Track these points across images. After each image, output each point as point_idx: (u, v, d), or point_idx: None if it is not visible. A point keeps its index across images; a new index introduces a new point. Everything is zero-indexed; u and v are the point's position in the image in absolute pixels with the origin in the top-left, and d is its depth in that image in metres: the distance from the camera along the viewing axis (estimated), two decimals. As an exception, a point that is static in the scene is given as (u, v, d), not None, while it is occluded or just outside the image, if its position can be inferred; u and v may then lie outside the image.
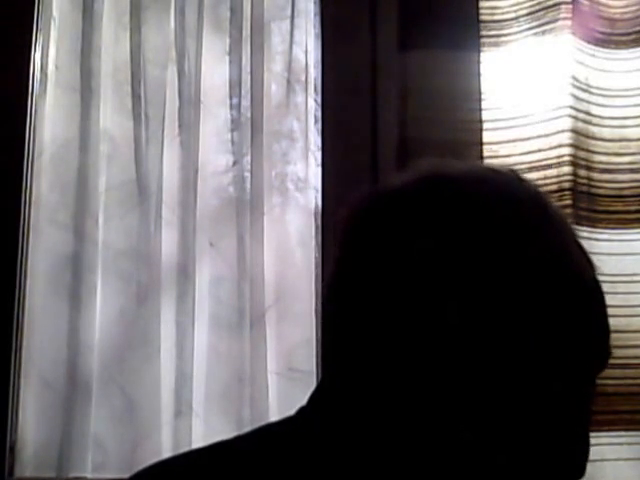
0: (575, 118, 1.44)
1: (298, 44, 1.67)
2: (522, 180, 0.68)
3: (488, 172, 0.68)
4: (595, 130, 1.47)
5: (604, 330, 0.65)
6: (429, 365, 0.60)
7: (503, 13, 1.51)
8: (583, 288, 0.64)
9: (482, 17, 1.51)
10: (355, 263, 0.65)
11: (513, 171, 0.70)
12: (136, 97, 1.65)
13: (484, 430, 0.61)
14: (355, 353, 0.64)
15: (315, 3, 1.65)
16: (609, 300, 0.66)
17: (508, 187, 0.66)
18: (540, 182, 1.40)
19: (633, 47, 1.49)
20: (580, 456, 0.64)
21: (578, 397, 0.63)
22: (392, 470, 0.63)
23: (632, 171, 1.45)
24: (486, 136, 1.48)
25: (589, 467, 0.64)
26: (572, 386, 0.62)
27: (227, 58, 1.66)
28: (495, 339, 0.60)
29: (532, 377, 0.61)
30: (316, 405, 0.68)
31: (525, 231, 0.63)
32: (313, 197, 1.61)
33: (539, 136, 1.45)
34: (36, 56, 1.60)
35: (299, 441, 0.66)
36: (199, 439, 1.54)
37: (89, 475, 1.53)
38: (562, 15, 1.46)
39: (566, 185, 1.42)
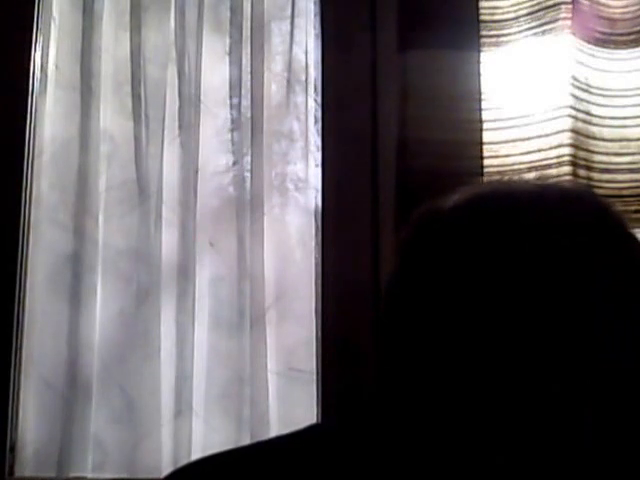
0: (575, 118, 1.44)
1: (298, 44, 1.67)
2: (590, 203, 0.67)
3: (548, 193, 0.67)
4: (595, 130, 1.47)
5: None
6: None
7: (503, 13, 1.51)
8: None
9: (482, 17, 1.51)
10: (415, 281, 0.66)
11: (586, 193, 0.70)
12: (136, 97, 1.65)
13: (484, 431, 0.61)
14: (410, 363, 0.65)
15: (315, 3, 1.65)
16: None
17: (557, 214, 0.64)
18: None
19: (633, 47, 1.49)
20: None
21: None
22: (395, 468, 0.63)
23: (632, 171, 1.45)
24: (486, 136, 1.47)
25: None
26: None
27: (227, 58, 1.67)
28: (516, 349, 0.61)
29: (533, 378, 0.61)
30: (370, 412, 0.69)
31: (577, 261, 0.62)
32: (313, 197, 1.61)
33: (539, 136, 1.45)
34: (36, 56, 1.61)
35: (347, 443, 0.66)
36: (199, 439, 1.54)
37: (89, 475, 1.53)
38: (562, 15, 1.46)
39: (566, 185, 1.42)
